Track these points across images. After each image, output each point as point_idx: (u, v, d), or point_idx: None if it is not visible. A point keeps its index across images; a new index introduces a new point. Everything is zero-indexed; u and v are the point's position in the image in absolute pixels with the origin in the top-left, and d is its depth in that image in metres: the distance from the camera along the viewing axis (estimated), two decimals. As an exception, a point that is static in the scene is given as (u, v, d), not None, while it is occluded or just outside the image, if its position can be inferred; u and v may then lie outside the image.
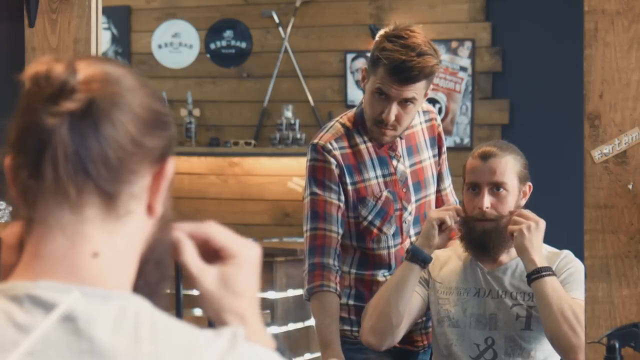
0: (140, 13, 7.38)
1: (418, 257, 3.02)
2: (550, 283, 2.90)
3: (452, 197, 3.42)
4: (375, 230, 3.19)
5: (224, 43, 7.19)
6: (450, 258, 3.18)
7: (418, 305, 3.12)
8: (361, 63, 6.69)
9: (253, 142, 6.97)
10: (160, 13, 7.31)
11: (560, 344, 2.88)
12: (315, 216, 3.14)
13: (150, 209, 1.19)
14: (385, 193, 3.19)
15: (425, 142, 3.30)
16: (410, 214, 3.23)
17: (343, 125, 3.21)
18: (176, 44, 7.27)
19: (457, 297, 3.11)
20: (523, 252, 2.94)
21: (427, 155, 3.30)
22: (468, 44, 6.70)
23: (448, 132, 6.74)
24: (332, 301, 3.09)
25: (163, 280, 1.25)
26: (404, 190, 3.22)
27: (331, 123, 3.24)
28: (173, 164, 1.22)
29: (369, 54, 3.15)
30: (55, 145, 1.12)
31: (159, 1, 7.32)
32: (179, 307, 5.21)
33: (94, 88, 1.14)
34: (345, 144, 3.17)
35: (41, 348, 1.08)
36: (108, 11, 6.84)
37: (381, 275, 3.21)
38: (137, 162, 1.16)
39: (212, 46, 7.21)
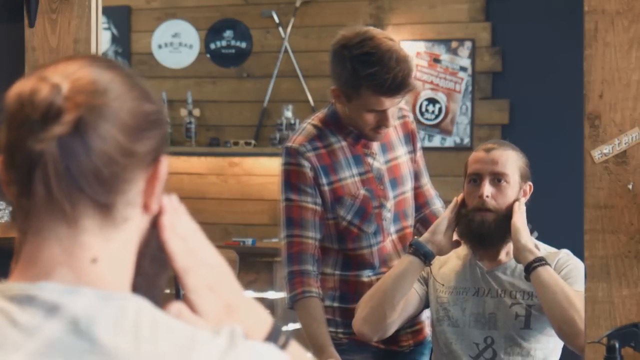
0: (140, 13, 7.38)
1: (419, 250, 3.03)
2: (551, 270, 2.92)
3: (432, 191, 3.41)
4: (355, 230, 3.16)
5: (224, 43, 7.19)
6: (449, 257, 3.18)
7: (414, 301, 3.12)
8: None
9: (253, 142, 6.97)
10: (160, 13, 7.31)
11: (570, 329, 2.87)
12: (290, 223, 3.11)
13: (146, 207, 1.19)
14: (362, 191, 3.16)
15: (399, 139, 3.28)
16: (389, 211, 3.20)
17: (315, 126, 3.18)
18: (176, 44, 7.27)
19: (457, 297, 3.11)
20: (519, 238, 2.95)
21: (402, 152, 3.28)
22: (468, 44, 6.70)
23: (448, 132, 6.74)
24: (317, 306, 3.07)
25: (161, 274, 1.25)
26: (381, 187, 3.19)
27: (302, 125, 3.22)
28: (166, 163, 1.21)
29: (335, 72, 3.07)
30: (45, 163, 1.11)
31: (159, 1, 7.31)
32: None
33: (81, 101, 1.12)
34: (318, 144, 3.14)
35: (42, 348, 1.08)
36: (108, 11, 6.84)
37: (365, 275, 3.19)
38: (131, 172, 1.16)
39: (212, 46, 7.21)
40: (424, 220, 3.37)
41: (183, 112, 7.11)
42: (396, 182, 3.24)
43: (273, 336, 1.24)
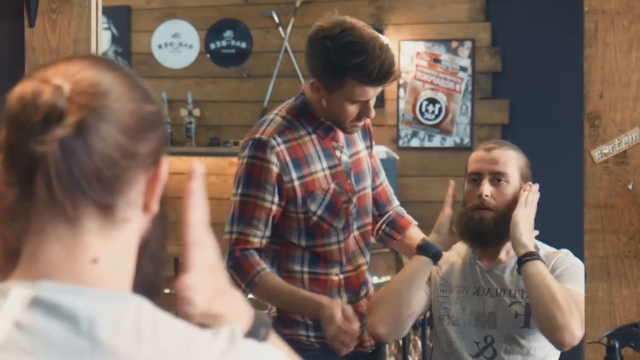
0: (140, 13, 7.38)
1: (429, 250, 3.03)
2: (540, 265, 2.92)
3: (390, 187, 3.37)
4: (325, 225, 3.06)
5: (224, 43, 7.19)
6: (449, 256, 3.18)
7: (423, 301, 3.13)
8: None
9: (253, 142, 6.97)
10: (160, 13, 7.31)
11: (549, 324, 2.88)
12: (241, 219, 3.00)
13: (146, 208, 1.19)
14: (332, 185, 3.06)
15: (358, 134, 3.20)
16: (355, 206, 3.12)
17: (284, 118, 3.06)
18: (176, 44, 7.27)
19: (457, 296, 3.11)
20: (515, 232, 2.95)
21: (362, 147, 3.21)
22: (468, 44, 6.70)
23: (448, 132, 6.74)
24: (275, 276, 2.99)
25: (159, 273, 1.25)
26: (349, 182, 3.11)
27: (270, 117, 3.09)
28: (167, 164, 1.21)
29: (313, 64, 3.01)
30: (47, 165, 1.11)
31: (159, 1, 7.32)
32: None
33: (83, 103, 1.12)
34: (289, 137, 3.03)
35: (43, 348, 1.08)
36: (108, 11, 6.84)
37: (334, 273, 3.09)
38: (132, 173, 1.16)
39: (212, 46, 7.21)
40: (392, 223, 3.31)
41: (183, 112, 7.11)
42: (359, 177, 3.16)
43: (256, 326, 1.24)
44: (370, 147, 3.25)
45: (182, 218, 1.21)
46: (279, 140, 3.01)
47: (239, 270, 2.98)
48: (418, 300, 3.08)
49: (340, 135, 3.12)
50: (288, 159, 3.00)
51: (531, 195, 3.03)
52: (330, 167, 3.08)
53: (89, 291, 1.12)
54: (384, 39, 2.99)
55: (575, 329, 2.84)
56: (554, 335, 2.87)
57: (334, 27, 2.96)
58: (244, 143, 3.08)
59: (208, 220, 1.25)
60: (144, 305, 1.13)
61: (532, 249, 2.95)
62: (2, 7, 3.38)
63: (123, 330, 1.09)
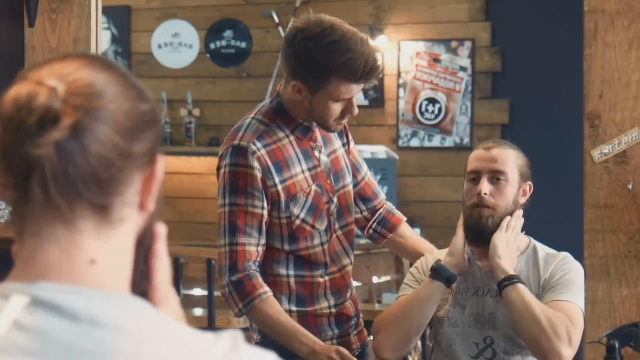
0: (140, 13, 7.39)
1: (442, 274, 3.01)
2: (521, 289, 2.91)
3: (374, 179, 3.34)
4: (308, 228, 3.00)
5: (224, 43, 7.19)
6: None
7: None
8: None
9: (253, 142, 6.97)
10: (160, 13, 7.32)
11: (536, 348, 2.89)
12: (234, 230, 2.92)
13: (142, 206, 1.19)
14: (314, 187, 3.01)
15: (334, 133, 3.16)
16: (336, 206, 3.07)
17: (260, 121, 2.99)
18: (176, 44, 7.27)
19: (456, 297, 3.11)
20: (494, 255, 2.95)
21: (338, 145, 3.16)
22: (468, 44, 6.70)
23: (448, 132, 6.74)
24: (275, 304, 2.93)
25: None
26: (329, 182, 3.06)
27: (247, 121, 3.01)
28: (163, 162, 1.21)
29: (294, 65, 2.93)
30: (43, 168, 1.10)
31: (159, 1, 7.32)
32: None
33: (78, 105, 1.12)
34: (268, 140, 2.96)
35: (44, 349, 1.08)
36: (108, 11, 6.84)
37: (320, 276, 3.05)
38: (128, 173, 1.15)
39: (212, 46, 7.22)
40: (383, 222, 3.28)
41: (183, 112, 7.12)
42: (338, 176, 3.11)
43: None
44: (347, 145, 3.21)
45: (149, 279, 1.22)
46: (259, 145, 2.94)
47: (240, 289, 2.92)
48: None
49: (318, 135, 3.08)
50: (270, 163, 2.94)
51: (514, 221, 3.02)
52: (310, 169, 3.03)
53: (89, 291, 1.12)
54: (359, 30, 2.96)
55: (564, 350, 2.84)
56: (543, 359, 2.89)
57: (313, 27, 2.93)
58: (222, 152, 2.98)
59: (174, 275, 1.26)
60: (144, 307, 1.13)
61: (511, 272, 2.94)
62: (2, 7, 3.39)
63: (124, 331, 1.09)
